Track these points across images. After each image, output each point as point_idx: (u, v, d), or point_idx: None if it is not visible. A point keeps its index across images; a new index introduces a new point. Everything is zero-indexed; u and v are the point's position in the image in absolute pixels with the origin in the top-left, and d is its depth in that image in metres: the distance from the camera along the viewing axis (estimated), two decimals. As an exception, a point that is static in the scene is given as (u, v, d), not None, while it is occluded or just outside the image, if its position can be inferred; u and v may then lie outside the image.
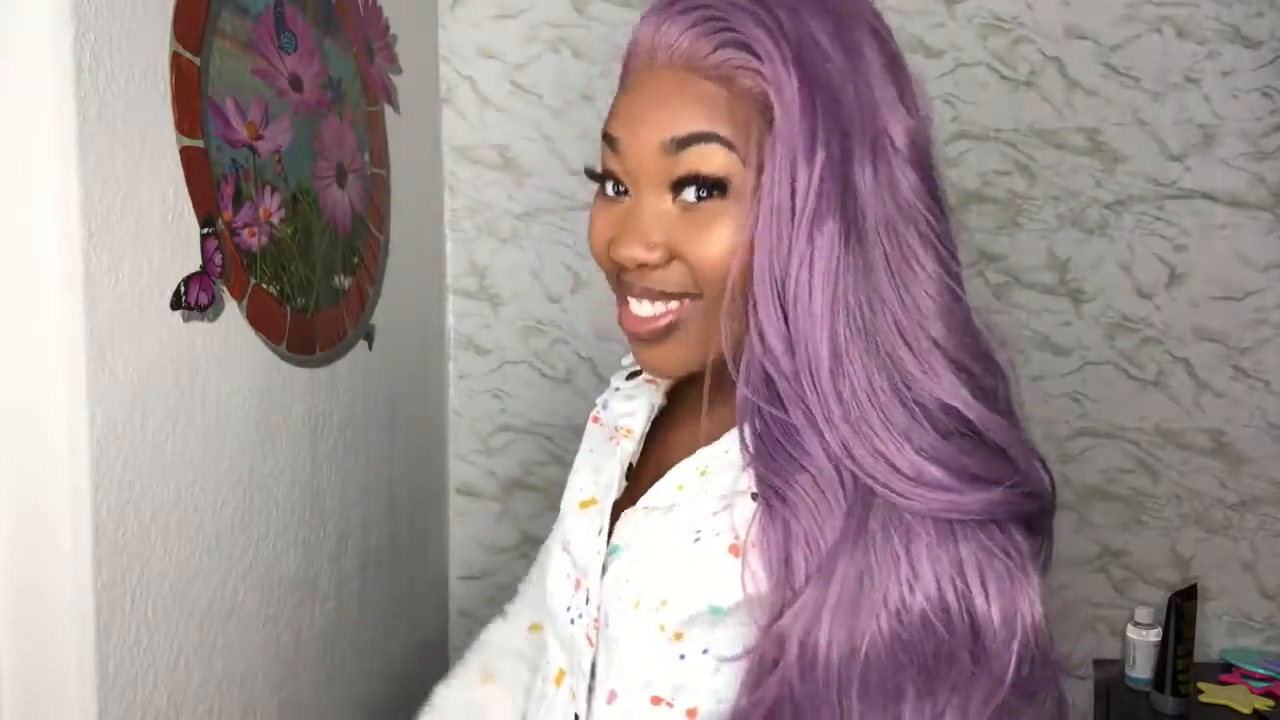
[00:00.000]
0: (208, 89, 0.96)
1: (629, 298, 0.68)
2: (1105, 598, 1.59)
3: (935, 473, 0.58)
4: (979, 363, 0.63)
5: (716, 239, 0.63)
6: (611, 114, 0.68)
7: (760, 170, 0.61)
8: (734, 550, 0.64)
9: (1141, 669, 1.48)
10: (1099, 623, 1.60)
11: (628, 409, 0.79)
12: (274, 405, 1.09)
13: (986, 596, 0.58)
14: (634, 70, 0.68)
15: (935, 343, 0.61)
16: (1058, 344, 1.60)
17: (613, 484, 0.76)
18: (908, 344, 0.61)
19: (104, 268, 0.82)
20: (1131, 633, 1.50)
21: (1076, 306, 1.59)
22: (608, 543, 0.73)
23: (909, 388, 0.60)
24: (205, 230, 0.95)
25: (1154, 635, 1.47)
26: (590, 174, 0.71)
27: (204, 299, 0.96)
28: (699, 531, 0.66)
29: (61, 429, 0.80)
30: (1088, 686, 1.59)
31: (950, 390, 0.60)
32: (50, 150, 0.78)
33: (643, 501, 0.72)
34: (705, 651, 0.65)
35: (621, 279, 0.68)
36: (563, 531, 0.79)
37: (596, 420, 0.86)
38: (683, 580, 0.67)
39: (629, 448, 0.77)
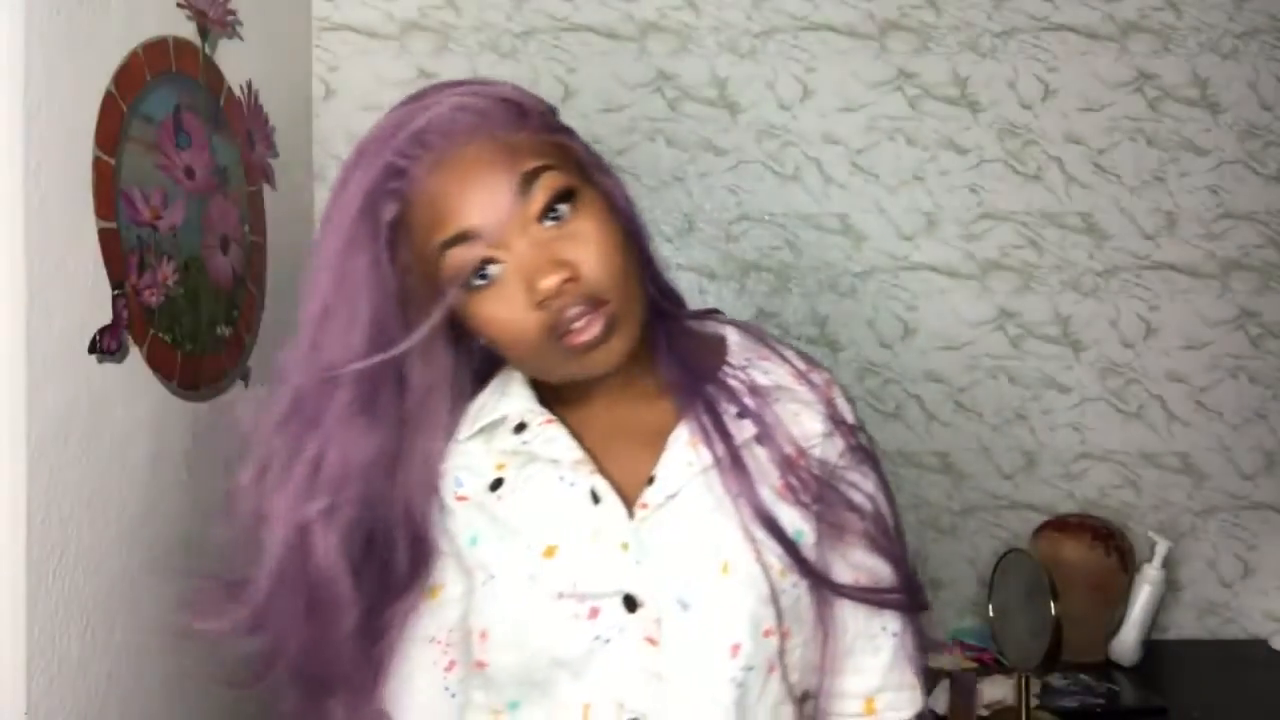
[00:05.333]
0: (120, 182, 1.23)
1: (573, 327, 0.70)
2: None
3: None
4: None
5: (596, 241, 0.71)
6: (441, 222, 0.69)
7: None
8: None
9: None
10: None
11: (550, 452, 0.78)
12: (166, 431, 1.34)
13: None
14: (442, 160, 0.70)
15: None
16: (1062, 384, 2.00)
17: (611, 510, 0.76)
18: None
19: (40, 321, 1.07)
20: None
21: (1076, 354, 1.99)
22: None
23: None
24: (116, 292, 1.21)
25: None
26: (462, 283, 0.72)
27: (113, 345, 1.21)
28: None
29: (4, 445, 1.04)
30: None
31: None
32: (5, 233, 1.04)
33: (650, 499, 0.76)
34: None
35: (561, 316, 0.70)
36: (544, 584, 0.75)
37: (464, 499, 0.82)
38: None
39: (594, 473, 0.78)
